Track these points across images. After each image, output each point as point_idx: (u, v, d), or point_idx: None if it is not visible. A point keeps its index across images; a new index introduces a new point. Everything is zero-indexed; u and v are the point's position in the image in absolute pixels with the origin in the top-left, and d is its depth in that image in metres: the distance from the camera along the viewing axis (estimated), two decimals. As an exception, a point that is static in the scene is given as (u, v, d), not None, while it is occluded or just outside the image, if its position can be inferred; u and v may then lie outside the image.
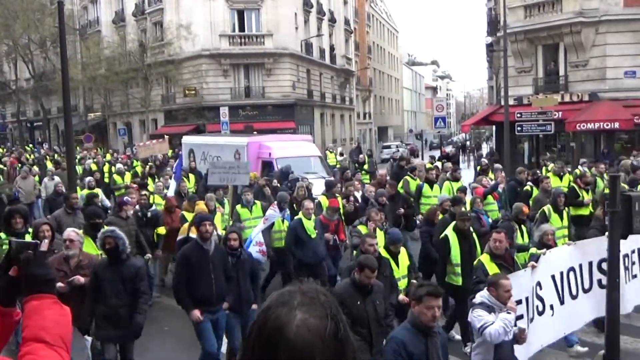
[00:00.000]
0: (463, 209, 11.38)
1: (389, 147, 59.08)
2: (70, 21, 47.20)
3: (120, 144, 48.79)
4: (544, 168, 19.60)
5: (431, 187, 15.75)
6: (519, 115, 27.69)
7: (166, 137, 30.68)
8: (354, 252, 10.15)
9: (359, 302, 6.71)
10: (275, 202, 12.66)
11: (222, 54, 43.31)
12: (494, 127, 40.80)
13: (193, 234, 9.85)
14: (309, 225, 11.21)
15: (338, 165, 28.45)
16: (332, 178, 18.42)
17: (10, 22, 48.41)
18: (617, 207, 5.76)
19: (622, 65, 29.07)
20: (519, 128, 27.23)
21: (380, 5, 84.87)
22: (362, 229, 10.30)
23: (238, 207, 13.52)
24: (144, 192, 13.45)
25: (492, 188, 14.40)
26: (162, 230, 12.78)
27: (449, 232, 9.52)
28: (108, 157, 33.12)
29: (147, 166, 23.91)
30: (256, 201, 13.76)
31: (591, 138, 30.41)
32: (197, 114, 42.39)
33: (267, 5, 43.75)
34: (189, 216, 12.24)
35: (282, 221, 12.46)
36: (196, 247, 8.17)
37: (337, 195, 14.54)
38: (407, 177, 17.46)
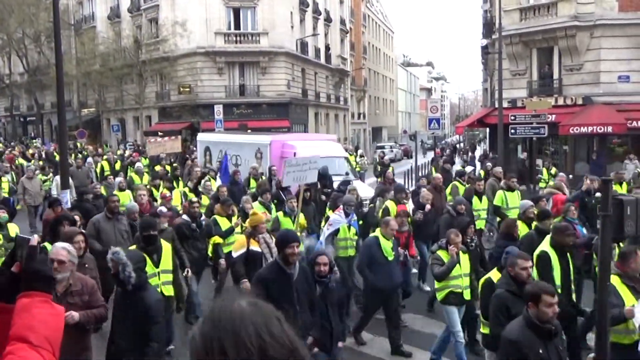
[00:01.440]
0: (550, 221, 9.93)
1: (382, 147, 59.13)
2: (65, 16, 47.15)
3: (114, 140, 48.67)
4: (544, 171, 19.54)
5: (480, 199, 14.50)
6: (513, 117, 27.70)
7: (179, 136, 29.25)
8: (436, 283, 9.04)
9: (540, 350, 5.20)
10: (341, 206, 11.29)
11: (217, 51, 43.24)
12: (487, 129, 40.89)
13: (254, 247, 9.07)
14: (387, 246, 9.67)
15: (358, 168, 27.59)
16: (372, 180, 17.11)
17: (5, 16, 48.33)
18: (609, 211, 5.77)
19: (616, 69, 29.17)
20: (512, 130, 27.25)
21: (376, 5, 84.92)
22: (442, 255, 8.86)
23: (280, 215, 12.13)
24: (195, 201, 11.56)
25: (575, 197, 12.74)
26: (217, 239, 11.47)
27: (547, 248, 8.27)
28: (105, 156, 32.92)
29: (168, 166, 22.54)
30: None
31: (584, 142, 30.50)
32: (191, 112, 42.33)
33: (263, 3, 43.70)
34: (221, 221, 11.42)
35: (349, 228, 11.17)
36: (277, 270, 6.68)
37: (405, 201, 12.92)
38: (456, 183, 16.07)
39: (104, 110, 53.00)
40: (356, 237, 11.37)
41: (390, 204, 12.56)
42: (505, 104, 29.08)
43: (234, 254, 9.28)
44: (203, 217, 11.36)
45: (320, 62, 53.40)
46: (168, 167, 22.31)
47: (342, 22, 60.32)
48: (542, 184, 20.52)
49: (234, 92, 44.16)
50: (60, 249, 6.18)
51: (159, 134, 45.35)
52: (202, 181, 16.40)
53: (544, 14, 30.74)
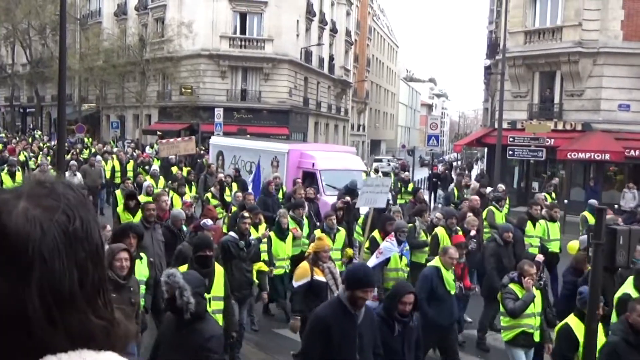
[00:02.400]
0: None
1: (380, 160, 59.17)
2: (72, 10, 47.13)
3: (112, 136, 48.61)
4: (547, 195, 18.96)
5: (534, 225, 13.09)
6: (511, 139, 27.83)
7: (193, 137, 27.82)
8: (503, 321, 8.25)
9: None
10: (393, 232, 10.27)
11: (222, 55, 43.29)
12: (486, 149, 40.97)
13: (319, 276, 8.20)
14: (449, 277, 8.62)
15: None
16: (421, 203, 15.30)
17: (12, 6, 48.32)
18: (602, 240, 5.78)
19: (616, 97, 29.27)
20: (510, 152, 27.38)
21: (382, 19, 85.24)
22: (516, 289, 8.03)
23: (318, 233, 10.88)
24: (247, 216, 9.87)
25: None
26: (263, 266, 10.30)
27: (630, 289, 7.52)
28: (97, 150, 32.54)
29: (184, 169, 21.44)
30: (340, 227, 11.43)
31: (581, 167, 30.57)
32: (191, 113, 42.32)
33: (270, 10, 43.82)
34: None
35: (400, 257, 10.17)
36: (341, 310, 5.64)
37: (457, 228, 11.61)
38: (492, 208, 15.09)
39: (104, 106, 52.95)
40: (408, 269, 10.42)
41: (440, 231, 11.42)
42: (504, 125, 29.15)
43: (296, 284, 8.32)
44: (252, 236, 10.05)
45: (324, 72, 53.50)
46: (185, 170, 21.24)
47: (348, 33, 60.51)
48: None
49: (235, 96, 44.17)
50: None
51: (158, 133, 45.35)
52: (232, 192, 15.67)
53: (548, 38, 30.88)
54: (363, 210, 13.66)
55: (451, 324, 8.72)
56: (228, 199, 15.93)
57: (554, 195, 19.83)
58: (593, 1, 29.24)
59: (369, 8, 70.85)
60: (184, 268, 7.06)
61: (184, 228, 10.66)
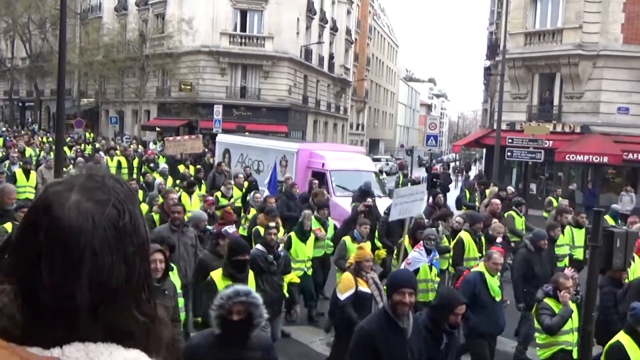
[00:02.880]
0: None
1: (379, 160, 59.22)
2: (72, 4, 47.07)
3: (111, 131, 48.57)
4: (553, 200, 18.50)
5: (562, 232, 12.35)
6: (510, 140, 27.86)
7: (200, 135, 27.11)
8: (539, 339, 7.85)
9: None
10: (421, 241, 9.79)
11: (221, 52, 43.26)
12: (484, 150, 41.02)
13: (363, 287, 7.83)
14: (494, 283, 8.21)
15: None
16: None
17: (12, 0, 48.24)
18: (599, 242, 5.80)
19: (616, 100, 29.30)
20: (509, 153, 27.40)
21: (383, 19, 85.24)
22: (551, 303, 7.55)
23: (348, 240, 10.53)
24: (273, 226, 9.18)
25: None
26: (295, 278, 9.78)
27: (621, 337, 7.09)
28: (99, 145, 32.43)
29: (191, 167, 20.75)
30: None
31: (579, 170, 30.61)
32: (190, 110, 42.28)
33: (270, 7, 43.78)
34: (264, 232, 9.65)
35: (430, 268, 9.66)
36: (387, 323, 5.24)
37: (481, 233, 11.12)
38: (512, 213, 14.61)
39: (103, 101, 52.89)
40: (438, 279, 9.94)
41: (465, 236, 10.89)
42: (503, 126, 29.20)
43: (342, 296, 7.85)
44: (281, 247, 9.45)
45: (323, 71, 53.48)
46: (192, 169, 20.63)
47: (348, 32, 60.49)
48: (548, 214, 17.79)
49: (234, 94, 44.15)
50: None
51: (157, 129, 45.33)
52: (251, 193, 15.08)
53: (548, 40, 30.90)
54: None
55: (497, 333, 8.33)
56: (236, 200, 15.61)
57: (560, 200, 19.19)
58: (594, 4, 29.27)
59: (369, 7, 70.86)
60: (218, 274, 6.86)
61: (209, 228, 10.15)
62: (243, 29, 44.38)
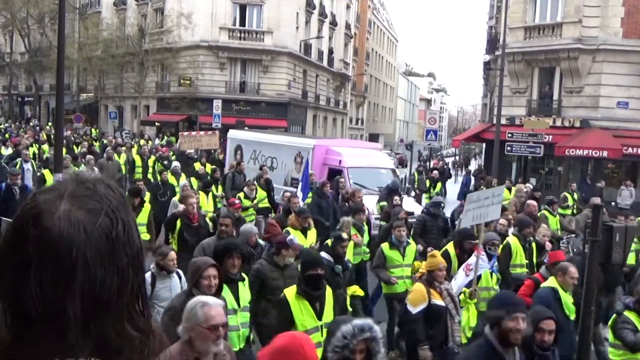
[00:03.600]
0: None
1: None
2: (71, -1, 47.02)
3: (110, 127, 48.54)
4: (569, 196, 18.03)
5: None
6: (509, 135, 27.88)
7: (216, 131, 25.83)
8: (621, 352, 7.17)
9: None
10: (481, 245, 9.00)
11: (221, 46, 43.21)
12: (484, 144, 41.04)
13: (437, 299, 7.19)
14: (569, 300, 7.32)
15: None
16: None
17: (11, -6, 48.20)
18: (598, 237, 5.81)
19: (615, 95, 29.30)
20: (508, 148, 27.42)
21: (382, 13, 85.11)
22: (632, 317, 6.95)
23: (385, 247, 9.76)
24: (345, 238, 8.33)
25: None
26: (359, 291, 9.14)
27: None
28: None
29: (208, 166, 19.98)
30: (409, 240, 10.09)
31: (579, 164, 30.63)
32: (190, 104, 42.24)
33: (270, 2, 43.70)
34: (296, 235, 9.01)
35: (491, 275, 8.96)
36: (492, 353, 4.50)
37: (531, 238, 10.23)
38: (545, 212, 13.90)
39: (103, 96, 52.81)
40: (498, 288, 9.24)
41: (513, 241, 10.12)
42: (503, 121, 29.19)
43: (413, 309, 7.14)
44: (347, 257, 8.67)
45: (323, 65, 53.42)
46: (209, 167, 19.84)
47: (348, 26, 60.40)
48: (567, 211, 16.93)
49: (234, 88, 44.12)
50: (219, 307, 4.39)
51: (156, 124, 45.29)
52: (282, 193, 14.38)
53: (548, 34, 30.87)
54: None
55: (571, 357, 7.42)
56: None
57: (575, 196, 18.75)
58: (593, -2, 29.26)
59: (369, 1, 70.72)
60: (292, 293, 6.11)
61: (261, 242, 9.14)
62: (242, 23, 44.32)
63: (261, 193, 15.51)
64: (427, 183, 23.69)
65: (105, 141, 30.68)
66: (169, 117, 43.79)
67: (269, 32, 43.68)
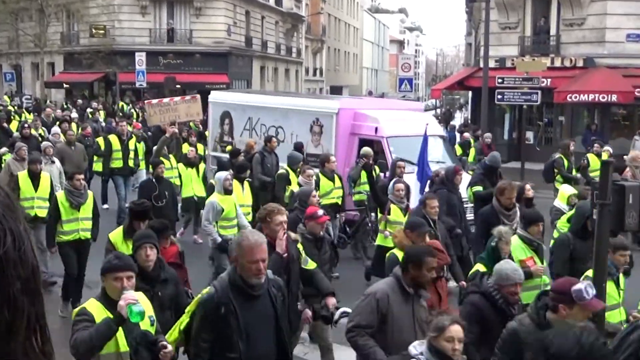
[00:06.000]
0: None
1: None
2: None
3: (7, 91, 47.48)
4: (592, 158, 17.69)
5: None
6: (500, 80, 28.01)
7: (197, 95, 22.81)
8: None
9: None
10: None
11: (141, -15, 42.62)
12: (470, 93, 41.32)
13: None
14: None
15: None
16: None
17: None
18: (608, 199, 5.90)
19: (624, 26, 29.54)
20: (499, 96, 27.56)
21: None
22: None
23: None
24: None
25: None
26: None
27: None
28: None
29: (200, 146, 18.59)
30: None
31: (583, 112, 31.03)
32: (106, 60, 41.62)
33: None
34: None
35: (617, 282, 8.10)
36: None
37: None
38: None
39: (-6, 53, 51.74)
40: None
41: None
42: (491, 64, 29.35)
43: None
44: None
45: (269, 4, 53.05)
46: (201, 147, 18.76)
47: (297, -46, 59.93)
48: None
49: (160, 38, 43.62)
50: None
51: (65, 86, 44.42)
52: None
53: (541, -45, 31.01)
54: None
55: None
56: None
57: (605, 155, 18.25)
58: None
59: None
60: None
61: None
62: (166, -45, 43.70)
63: (326, 183, 13.74)
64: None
65: (53, 115, 26.59)
66: (80, 76, 43.07)
67: (200, -35, 43.14)
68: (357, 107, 18.58)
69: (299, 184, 12.65)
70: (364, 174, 14.34)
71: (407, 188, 12.18)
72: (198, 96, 22.20)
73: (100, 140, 18.64)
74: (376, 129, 16.81)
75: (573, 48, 30.72)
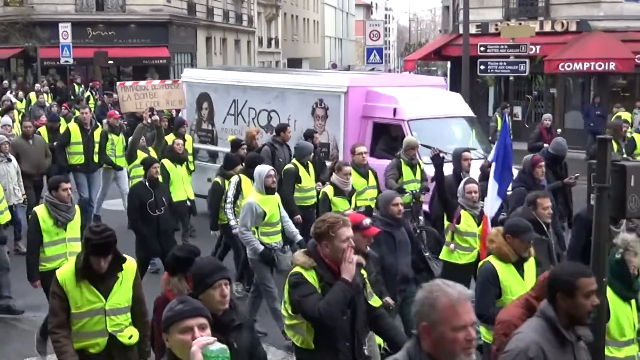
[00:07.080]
0: None
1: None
2: None
3: None
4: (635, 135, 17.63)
5: None
6: (482, 48, 28.16)
7: (179, 80, 21.28)
8: None
9: None
10: None
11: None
12: (448, 63, 41.47)
13: None
14: None
15: None
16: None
17: None
18: (607, 182, 5.97)
19: (622, -17, 29.87)
20: (482, 67, 27.70)
21: None
22: None
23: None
24: None
25: None
26: None
27: None
28: None
29: (189, 139, 17.48)
30: None
31: (578, 82, 31.27)
32: (24, 33, 41.19)
33: None
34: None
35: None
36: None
37: None
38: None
39: None
40: None
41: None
42: (472, 30, 29.45)
43: None
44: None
45: (215, -36, 52.86)
46: (189, 141, 17.59)
47: None
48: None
49: (87, 6, 43.21)
50: None
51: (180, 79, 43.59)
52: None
53: None
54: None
55: None
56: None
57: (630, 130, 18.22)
58: None
59: None
60: None
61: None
62: None
63: (359, 180, 12.97)
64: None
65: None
66: (-6, 52, 42.60)
67: None
68: (370, 84, 17.74)
69: (333, 184, 11.86)
70: (407, 170, 13.43)
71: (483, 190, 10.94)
72: (180, 80, 21.04)
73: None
74: (395, 110, 16.11)
75: (565, 10, 30.90)
